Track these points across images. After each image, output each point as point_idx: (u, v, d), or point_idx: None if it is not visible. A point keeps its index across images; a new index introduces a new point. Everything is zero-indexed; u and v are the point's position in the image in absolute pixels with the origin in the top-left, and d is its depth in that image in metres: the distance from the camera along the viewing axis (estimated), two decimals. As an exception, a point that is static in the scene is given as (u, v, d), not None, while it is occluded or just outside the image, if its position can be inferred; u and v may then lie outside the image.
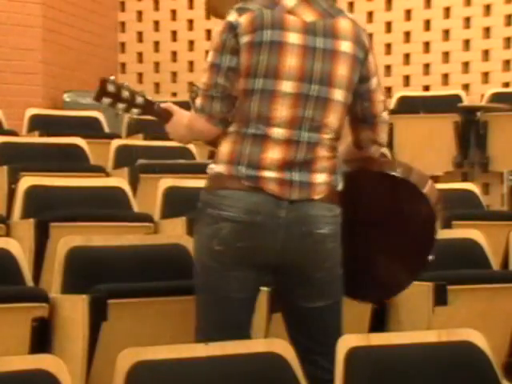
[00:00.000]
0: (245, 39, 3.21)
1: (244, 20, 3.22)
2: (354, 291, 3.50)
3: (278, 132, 3.22)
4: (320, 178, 3.26)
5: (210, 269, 3.27)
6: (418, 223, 3.45)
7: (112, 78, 3.43)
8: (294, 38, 3.23)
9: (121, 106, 3.46)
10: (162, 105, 3.51)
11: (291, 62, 3.22)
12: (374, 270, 3.46)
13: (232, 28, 3.22)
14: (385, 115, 3.43)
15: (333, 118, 3.27)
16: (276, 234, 3.21)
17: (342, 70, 3.26)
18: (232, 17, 3.24)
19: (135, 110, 3.49)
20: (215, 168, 3.27)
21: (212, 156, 3.44)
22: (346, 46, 3.27)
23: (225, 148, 3.25)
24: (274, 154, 3.22)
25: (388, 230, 3.42)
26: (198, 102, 3.30)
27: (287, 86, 3.22)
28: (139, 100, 3.46)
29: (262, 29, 3.22)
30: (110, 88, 3.41)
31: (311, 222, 3.24)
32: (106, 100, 3.44)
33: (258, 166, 3.21)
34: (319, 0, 3.31)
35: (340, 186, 3.31)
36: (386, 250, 3.42)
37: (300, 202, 3.23)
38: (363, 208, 3.42)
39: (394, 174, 3.41)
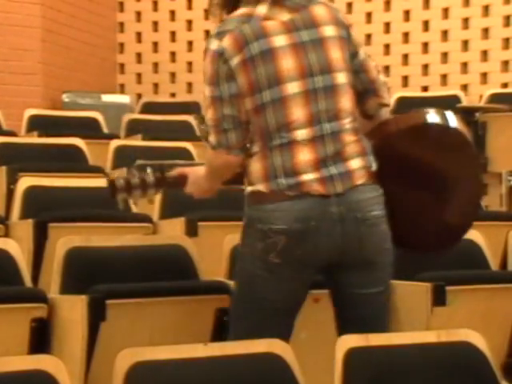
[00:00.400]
0: (235, 61, 3.21)
1: (227, 43, 3.22)
2: (422, 244, 3.57)
3: (301, 133, 3.22)
4: (355, 163, 3.26)
5: (263, 280, 3.25)
6: (466, 164, 3.47)
7: (117, 175, 3.48)
8: (280, 40, 3.24)
9: (136, 193, 3.47)
10: (173, 172, 3.51)
11: (288, 63, 3.23)
12: (440, 217, 3.46)
13: (219, 55, 3.22)
14: (381, 77, 3.46)
15: (345, 101, 3.29)
16: (334, 231, 3.21)
17: (335, 53, 3.28)
18: (213, 44, 3.24)
19: (151, 191, 3.49)
20: (251, 189, 3.26)
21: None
22: (329, 30, 3.29)
23: (255, 168, 3.25)
24: (305, 155, 3.22)
25: (441, 176, 3.40)
26: (212, 139, 3.28)
27: (293, 87, 3.23)
28: (150, 180, 3.46)
29: (248, 44, 3.22)
30: (119, 184, 3.45)
31: (362, 206, 3.24)
32: (121, 196, 3.48)
33: (294, 172, 3.21)
34: None
35: (374, 166, 3.30)
36: (443, 197, 3.43)
37: (346, 193, 3.23)
38: (411, 168, 3.40)
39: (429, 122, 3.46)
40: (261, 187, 3.23)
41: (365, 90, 3.40)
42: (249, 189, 3.28)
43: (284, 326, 3.27)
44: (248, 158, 3.27)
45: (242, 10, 3.27)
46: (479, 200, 3.52)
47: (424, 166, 3.39)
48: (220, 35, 3.24)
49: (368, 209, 3.25)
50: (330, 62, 3.27)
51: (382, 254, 3.31)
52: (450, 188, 3.42)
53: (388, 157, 3.34)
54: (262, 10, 3.26)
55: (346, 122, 3.28)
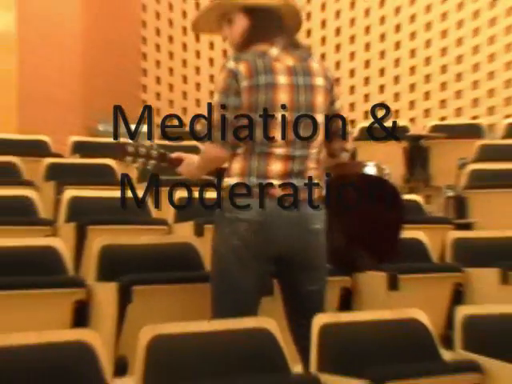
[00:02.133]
0: (245, 83, 3.20)
1: (242, 68, 3.21)
2: (353, 265, 3.64)
3: (278, 150, 3.23)
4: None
5: (228, 259, 3.25)
6: (392, 205, 3.48)
7: (130, 141, 3.51)
8: (282, 79, 3.25)
9: (140, 160, 3.51)
10: (172, 154, 3.54)
11: (283, 97, 3.24)
12: (368, 243, 3.48)
13: (234, 74, 3.21)
14: (349, 128, 3.47)
15: (318, 136, 3.30)
16: (284, 229, 3.22)
17: (319, 99, 3.29)
18: (231, 64, 3.23)
19: (152, 162, 3.52)
20: (229, 181, 3.26)
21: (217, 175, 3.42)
22: (319, 81, 3.30)
23: (236, 165, 3.25)
24: (276, 166, 3.23)
25: (374, 212, 3.44)
26: (212, 134, 3.26)
27: (282, 115, 3.24)
28: (154, 154, 3.51)
29: (258, 74, 3.22)
30: (130, 149, 3.49)
31: (308, 219, 3.26)
32: (128, 158, 3.52)
33: (265, 176, 3.22)
34: (294, 48, 3.33)
35: (324, 192, 3.32)
36: (373, 227, 3.46)
37: (300, 204, 3.24)
38: (353, 201, 3.43)
39: (370, 174, 3.49)
40: (236, 180, 3.24)
41: (335, 134, 3.39)
42: (226, 180, 3.28)
43: (248, 304, 3.26)
44: (232, 157, 3.27)
45: (258, 47, 3.28)
46: (399, 228, 3.52)
47: (357, 201, 3.43)
48: (237, 60, 3.25)
49: (314, 222, 3.28)
50: (314, 104, 3.28)
51: (320, 258, 3.33)
52: (374, 217, 3.46)
53: (338, 189, 3.40)
54: (274, 52, 3.27)
55: (313, 152, 3.29)
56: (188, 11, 10.09)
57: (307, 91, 3.28)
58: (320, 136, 3.31)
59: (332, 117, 3.37)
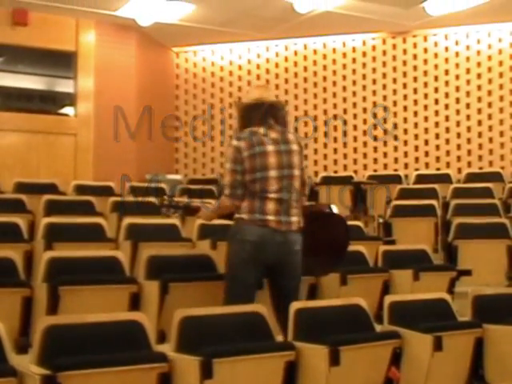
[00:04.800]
0: (245, 154, 3.25)
1: (242, 144, 3.27)
2: (316, 271, 3.67)
3: (272, 195, 3.25)
4: (294, 219, 3.29)
5: (238, 266, 3.27)
6: (339, 231, 3.52)
7: (165, 199, 3.59)
8: (270, 148, 3.28)
9: (172, 211, 3.62)
10: (192, 204, 3.61)
11: (272, 160, 3.27)
12: (323, 256, 3.48)
13: (237, 149, 3.26)
14: (309, 180, 3.50)
15: (296, 184, 3.31)
16: (273, 248, 3.23)
17: (295, 159, 3.31)
18: (235, 142, 3.29)
19: (178, 211, 3.64)
20: (239, 216, 3.28)
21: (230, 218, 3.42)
22: (294, 147, 3.32)
23: (244, 205, 3.26)
24: (271, 206, 3.24)
25: (327, 235, 3.47)
26: (227, 191, 3.29)
27: (273, 173, 3.26)
28: (180, 205, 3.58)
29: (253, 147, 3.26)
30: (164, 204, 3.63)
31: (291, 243, 3.27)
32: (164, 209, 3.66)
33: (263, 213, 3.23)
34: (275, 126, 3.34)
35: (302, 224, 3.33)
36: (329, 244, 3.48)
37: (286, 232, 3.26)
38: (316, 227, 3.44)
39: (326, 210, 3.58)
40: (244, 216, 3.25)
41: (303, 184, 3.40)
42: (236, 216, 3.30)
43: (251, 295, 3.25)
44: (241, 203, 3.28)
45: (251, 129, 3.32)
46: (346, 244, 3.61)
47: (321, 227, 3.48)
48: (239, 139, 3.29)
49: (295, 245, 3.28)
50: (292, 163, 3.30)
51: (297, 268, 3.32)
52: (331, 236, 3.50)
53: (310, 220, 3.40)
54: (262, 130, 3.31)
55: (294, 195, 3.29)
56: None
57: (287, 154, 3.30)
58: (297, 183, 3.31)
59: (301, 172, 3.37)
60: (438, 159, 9.29)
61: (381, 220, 6.63)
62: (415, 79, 9.34)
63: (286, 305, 3.07)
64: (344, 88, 9.59)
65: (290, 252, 3.27)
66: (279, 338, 3.05)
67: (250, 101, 3.36)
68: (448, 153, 9.26)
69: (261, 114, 3.33)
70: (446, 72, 9.24)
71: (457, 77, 9.20)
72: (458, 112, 9.20)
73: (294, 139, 3.35)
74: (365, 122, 9.54)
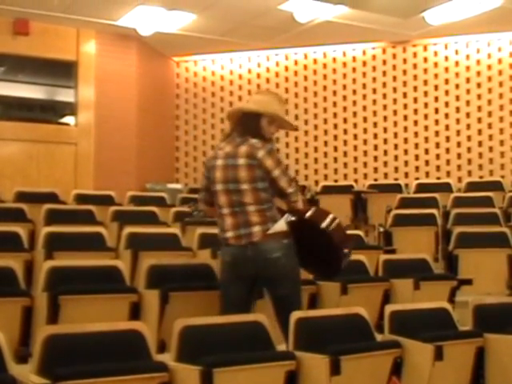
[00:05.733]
0: (208, 165, 3.35)
1: (210, 155, 3.39)
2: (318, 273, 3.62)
3: (225, 210, 3.24)
4: (256, 228, 3.18)
5: (222, 285, 3.32)
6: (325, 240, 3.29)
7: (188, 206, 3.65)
8: (219, 162, 3.28)
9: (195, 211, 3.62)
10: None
11: (218, 174, 3.27)
12: (319, 261, 3.36)
13: (205, 163, 3.41)
14: (290, 189, 3.23)
15: (248, 198, 3.19)
16: (246, 263, 3.20)
17: (242, 173, 3.20)
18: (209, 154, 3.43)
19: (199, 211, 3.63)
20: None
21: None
22: (240, 161, 3.21)
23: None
24: (228, 222, 3.24)
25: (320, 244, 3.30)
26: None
27: (220, 186, 3.26)
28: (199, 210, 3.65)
29: (210, 160, 3.34)
30: (191, 207, 3.61)
31: (263, 252, 3.17)
32: (188, 208, 3.66)
33: (224, 231, 3.25)
34: (236, 138, 3.28)
35: (277, 229, 3.17)
36: (322, 250, 3.32)
37: (256, 243, 3.17)
38: (307, 233, 3.32)
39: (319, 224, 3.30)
40: (219, 234, 3.32)
41: (280, 195, 3.26)
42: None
43: (237, 310, 3.19)
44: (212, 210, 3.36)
45: (220, 142, 3.39)
46: (338, 256, 3.32)
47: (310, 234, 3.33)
48: (214, 149, 3.41)
49: (267, 253, 3.17)
50: (238, 177, 3.21)
51: (282, 275, 3.19)
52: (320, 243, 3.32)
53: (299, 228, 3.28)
54: (222, 144, 3.34)
55: (250, 208, 3.19)
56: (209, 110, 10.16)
57: (233, 168, 3.22)
58: (249, 198, 3.17)
59: (271, 183, 3.20)
60: (438, 168, 9.31)
61: (381, 229, 6.63)
62: (415, 88, 9.38)
63: (283, 315, 3.06)
64: (344, 97, 9.62)
65: (265, 262, 3.16)
66: (280, 347, 3.05)
67: (228, 116, 3.37)
68: (448, 162, 9.27)
69: (232, 124, 3.34)
70: (446, 81, 9.27)
71: (457, 86, 9.23)
72: (458, 121, 9.22)
73: (245, 152, 3.20)
74: (365, 131, 9.56)
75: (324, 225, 3.24)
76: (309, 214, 3.30)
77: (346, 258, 3.30)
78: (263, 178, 3.19)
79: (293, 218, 3.29)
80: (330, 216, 3.29)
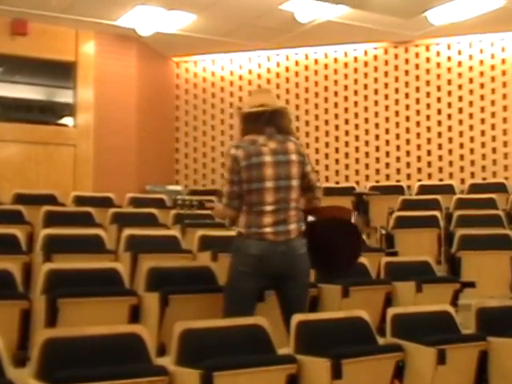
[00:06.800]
0: (243, 163, 3.24)
1: (240, 153, 3.25)
2: (332, 274, 3.66)
3: (268, 208, 3.23)
4: (292, 226, 3.25)
5: (239, 279, 3.25)
6: (353, 235, 3.42)
7: (180, 197, 3.59)
8: (267, 158, 3.25)
9: (186, 208, 3.53)
10: (207, 204, 3.59)
11: (269, 171, 3.24)
12: (339, 258, 3.41)
13: (235, 158, 3.25)
14: (318, 184, 3.42)
15: (294, 195, 3.27)
16: (277, 259, 3.20)
17: (294, 169, 3.27)
18: (233, 151, 3.27)
19: (193, 209, 3.54)
20: (239, 229, 3.28)
21: (233, 224, 3.46)
22: (293, 157, 3.28)
23: (241, 219, 3.28)
24: (267, 219, 3.23)
25: (340, 241, 3.38)
26: (225, 201, 3.30)
27: (269, 184, 3.24)
28: (195, 203, 3.54)
29: (251, 157, 3.24)
30: (179, 203, 3.54)
31: (294, 248, 3.23)
32: (179, 208, 3.57)
33: (260, 226, 3.22)
34: (276, 135, 3.30)
35: (303, 228, 3.28)
36: (342, 247, 3.39)
37: (287, 241, 3.22)
38: (329, 231, 3.39)
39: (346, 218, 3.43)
40: (243, 230, 3.25)
41: (307, 188, 3.36)
42: (237, 229, 3.31)
43: (248, 306, 3.24)
44: (239, 213, 3.29)
45: (250, 137, 3.29)
46: (359, 251, 3.54)
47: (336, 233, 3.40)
48: (237, 147, 3.28)
49: (298, 249, 3.24)
50: (290, 174, 3.26)
51: (302, 273, 3.28)
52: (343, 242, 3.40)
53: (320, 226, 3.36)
54: (261, 140, 3.28)
55: (292, 205, 3.26)
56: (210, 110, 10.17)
57: (285, 165, 3.26)
58: (294, 194, 3.28)
59: (304, 177, 3.33)
60: (440, 170, 9.31)
61: (383, 231, 6.62)
62: (417, 89, 9.38)
63: (292, 315, 3.05)
64: (345, 98, 9.63)
65: (294, 258, 3.23)
66: (281, 350, 3.04)
67: (252, 108, 3.31)
68: (451, 163, 9.27)
69: (262, 122, 3.29)
70: (449, 82, 9.28)
71: (459, 87, 9.24)
72: (460, 122, 9.23)
73: (294, 149, 3.30)
74: (367, 132, 9.57)
75: (353, 219, 3.39)
76: (332, 212, 3.40)
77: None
78: (302, 175, 3.31)
79: (313, 219, 3.37)
80: (352, 211, 3.46)
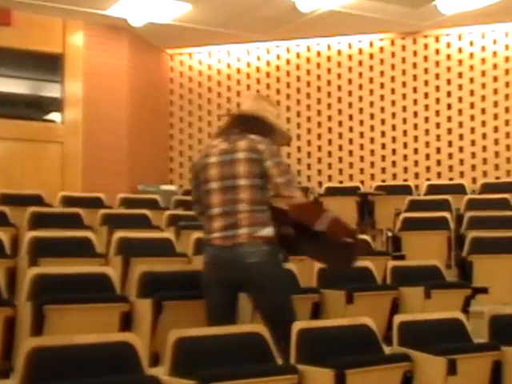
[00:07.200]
0: (197, 167, 3.41)
1: (198, 157, 3.49)
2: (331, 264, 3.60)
3: (215, 211, 3.29)
4: (243, 231, 3.22)
5: (204, 288, 3.35)
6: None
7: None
8: (213, 159, 3.33)
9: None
10: None
11: (213, 171, 3.31)
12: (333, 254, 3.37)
13: (194, 164, 3.49)
14: (282, 180, 3.23)
15: (243, 195, 3.24)
16: (224, 266, 3.24)
17: (241, 168, 3.25)
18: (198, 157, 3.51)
19: None
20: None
21: None
22: (240, 155, 3.27)
23: (203, 225, 3.41)
24: (216, 222, 3.28)
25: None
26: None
27: (214, 185, 3.30)
28: None
29: (201, 159, 3.40)
30: None
31: (241, 256, 3.20)
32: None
33: (210, 231, 3.29)
34: (234, 136, 3.34)
35: (266, 233, 3.21)
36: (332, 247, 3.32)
37: (233, 247, 3.22)
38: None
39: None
40: (203, 236, 3.41)
41: (275, 191, 3.28)
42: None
43: (221, 315, 3.24)
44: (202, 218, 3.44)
45: (211, 140, 3.48)
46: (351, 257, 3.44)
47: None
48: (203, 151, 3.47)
49: (245, 258, 3.20)
50: (235, 172, 3.25)
51: (261, 283, 3.21)
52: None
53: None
54: (215, 142, 3.42)
55: (242, 207, 3.23)
56: (200, 106, 10.19)
57: (230, 164, 3.27)
58: (244, 195, 3.23)
59: (265, 175, 3.25)
60: (450, 168, 9.33)
61: (389, 234, 6.64)
62: (426, 83, 9.40)
63: (271, 327, 3.01)
64: (350, 93, 9.65)
65: (241, 267, 3.18)
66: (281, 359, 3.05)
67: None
68: (462, 161, 9.29)
69: (230, 125, 3.40)
70: (460, 75, 9.29)
71: (471, 80, 9.25)
72: (472, 118, 9.24)
73: (245, 146, 3.26)
74: (372, 128, 9.58)
75: (318, 227, 3.23)
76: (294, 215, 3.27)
77: (356, 247, 3.39)
78: (262, 174, 3.27)
79: (289, 230, 3.29)
80: (323, 214, 3.28)
